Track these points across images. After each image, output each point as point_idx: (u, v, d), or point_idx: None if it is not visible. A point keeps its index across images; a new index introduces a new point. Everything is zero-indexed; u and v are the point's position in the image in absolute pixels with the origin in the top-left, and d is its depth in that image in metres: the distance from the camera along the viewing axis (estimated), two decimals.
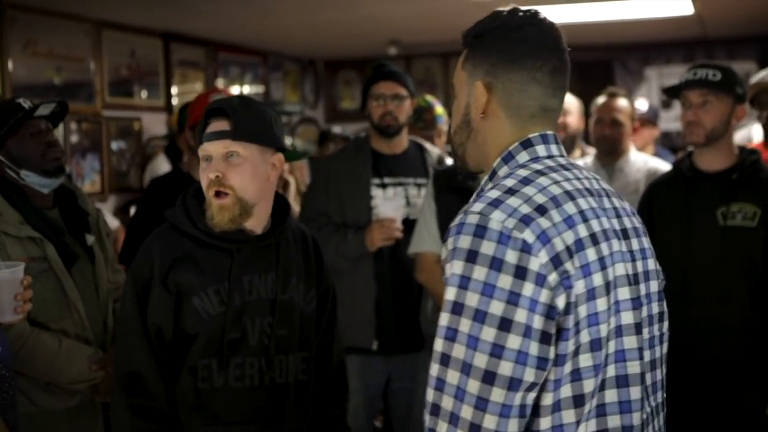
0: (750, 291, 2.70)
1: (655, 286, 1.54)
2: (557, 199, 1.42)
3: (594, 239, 1.42)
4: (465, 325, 1.34)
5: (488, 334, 1.33)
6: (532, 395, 1.35)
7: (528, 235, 1.36)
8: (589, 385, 1.39)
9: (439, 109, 4.37)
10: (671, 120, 7.60)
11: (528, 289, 1.34)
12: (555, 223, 1.38)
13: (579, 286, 1.37)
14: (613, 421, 1.43)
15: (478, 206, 1.40)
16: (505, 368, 1.32)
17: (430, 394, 1.38)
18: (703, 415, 2.74)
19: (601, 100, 3.80)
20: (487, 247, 1.35)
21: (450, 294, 1.37)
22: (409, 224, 3.30)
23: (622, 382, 1.44)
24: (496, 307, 1.33)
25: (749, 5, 6.10)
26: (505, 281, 1.33)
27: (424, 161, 3.43)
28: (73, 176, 5.84)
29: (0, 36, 5.23)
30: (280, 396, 2.09)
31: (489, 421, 1.32)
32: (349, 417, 3.29)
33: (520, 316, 1.33)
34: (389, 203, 3.21)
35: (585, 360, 1.38)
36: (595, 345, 1.39)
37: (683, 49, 8.00)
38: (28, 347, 2.40)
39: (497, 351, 1.32)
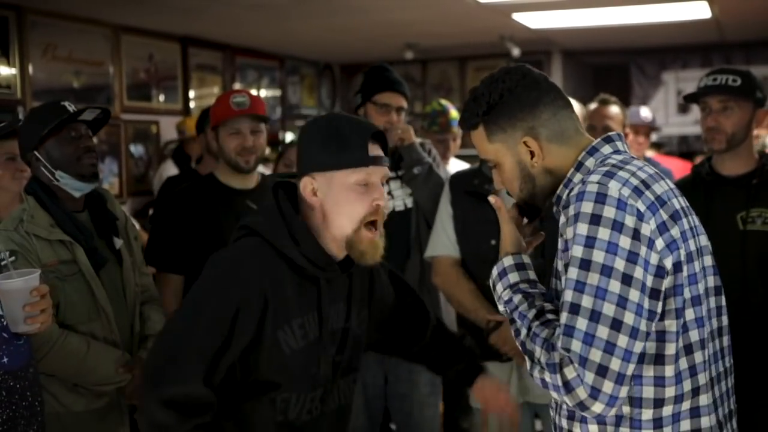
0: None
1: (710, 260, 1.76)
2: (654, 176, 1.68)
3: (684, 213, 1.68)
4: (593, 278, 1.55)
5: (614, 286, 1.54)
6: (642, 345, 1.56)
7: (640, 205, 1.59)
8: (695, 335, 1.64)
9: (454, 112, 4.37)
10: (688, 124, 7.59)
11: (642, 250, 1.56)
12: (658, 196, 1.63)
13: (681, 251, 1.62)
14: (715, 369, 1.70)
15: (595, 177, 1.62)
16: (629, 318, 1.54)
17: (560, 339, 1.56)
18: None
19: (593, 106, 3.81)
20: (609, 212, 1.57)
21: (577, 252, 1.58)
22: (394, 217, 3.26)
23: (717, 333, 1.73)
24: (619, 264, 1.55)
25: (766, 9, 6.08)
26: (625, 242, 1.56)
27: (395, 152, 3.39)
28: None
29: (20, 40, 5.28)
30: (336, 421, 2.05)
31: (615, 363, 1.53)
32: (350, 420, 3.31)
33: (638, 273, 1.55)
34: None
35: (690, 314, 1.63)
36: (695, 300, 1.64)
37: (700, 53, 7.98)
38: (56, 349, 2.42)
39: (622, 302, 1.54)
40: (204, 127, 4.22)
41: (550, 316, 1.66)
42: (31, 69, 5.36)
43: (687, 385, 1.63)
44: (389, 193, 3.36)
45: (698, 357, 1.65)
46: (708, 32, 7.16)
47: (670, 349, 1.61)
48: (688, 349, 1.63)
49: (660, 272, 1.58)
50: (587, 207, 1.59)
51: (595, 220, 1.57)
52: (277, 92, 8.13)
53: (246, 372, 1.91)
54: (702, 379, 1.65)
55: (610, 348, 1.53)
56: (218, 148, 3.11)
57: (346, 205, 1.89)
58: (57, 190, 2.57)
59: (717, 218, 2.77)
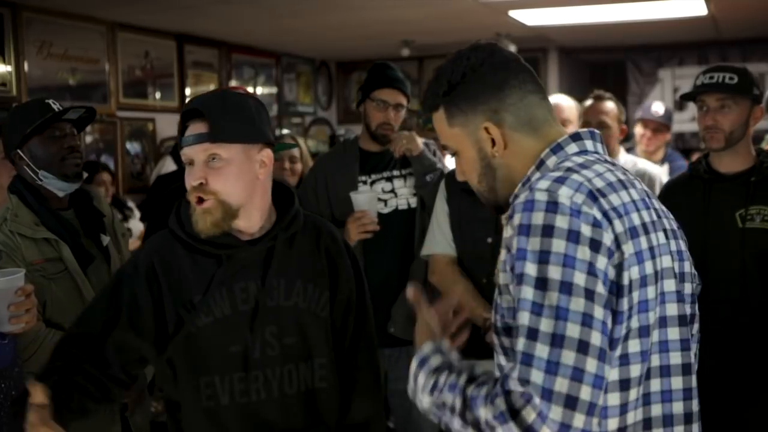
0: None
1: (689, 288, 1.56)
2: (614, 185, 1.47)
3: (645, 229, 1.47)
4: (551, 297, 1.34)
5: (577, 304, 1.33)
6: (609, 368, 1.36)
7: (596, 212, 1.40)
8: (635, 370, 1.42)
9: None
10: (685, 121, 7.59)
11: (601, 262, 1.37)
12: (614, 207, 1.43)
13: (634, 272, 1.41)
14: (656, 410, 1.47)
15: (543, 183, 1.42)
16: (596, 338, 1.33)
17: (516, 368, 1.34)
18: (720, 415, 2.73)
19: (587, 102, 3.81)
20: (562, 221, 1.37)
21: (529, 269, 1.36)
22: (397, 215, 3.32)
23: (665, 371, 1.47)
24: (579, 278, 1.35)
25: (763, 6, 6.08)
26: (583, 252, 1.36)
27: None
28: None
29: (16, 38, 5.27)
30: (292, 407, 1.95)
31: (585, 392, 1.31)
32: None
33: (600, 287, 1.36)
34: (360, 196, 3.19)
35: (633, 345, 1.41)
36: (644, 332, 1.43)
37: (697, 50, 7.98)
38: (44, 347, 2.41)
39: (588, 321, 1.33)
40: None
41: (484, 378, 1.44)
42: (26, 66, 5.35)
43: (613, 423, 1.42)
44: (392, 191, 3.36)
45: (633, 394, 1.43)
46: (704, 29, 7.17)
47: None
48: (624, 385, 1.42)
49: (614, 289, 1.39)
50: (537, 218, 1.38)
51: (547, 231, 1.37)
52: (273, 89, 8.12)
53: (168, 359, 1.94)
54: (631, 418, 1.44)
55: (578, 375, 1.31)
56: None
57: (186, 185, 1.94)
58: (41, 188, 2.56)
59: (716, 216, 2.77)
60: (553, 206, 1.38)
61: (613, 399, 1.41)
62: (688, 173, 2.97)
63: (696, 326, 1.58)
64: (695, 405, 1.53)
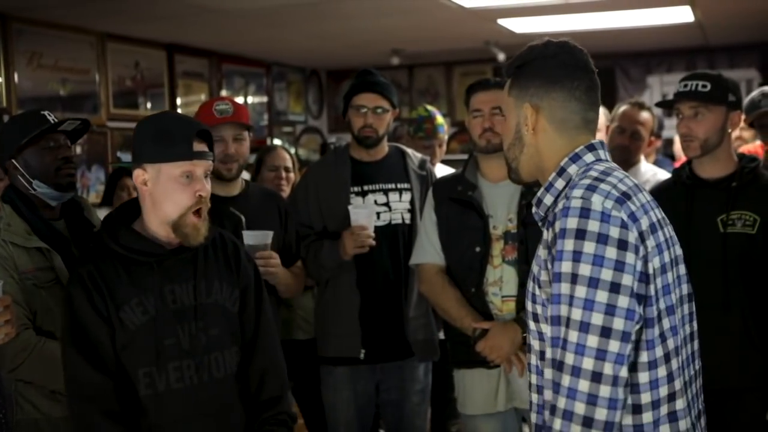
0: (750, 298, 2.72)
1: (683, 269, 1.83)
2: (633, 189, 1.73)
3: (660, 224, 1.75)
4: (581, 291, 1.60)
5: (602, 296, 1.59)
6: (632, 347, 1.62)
7: (623, 215, 1.65)
8: (671, 343, 1.70)
9: (440, 118, 4.38)
10: (673, 128, 7.61)
11: (630, 258, 1.62)
12: (637, 208, 1.69)
13: (656, 261, 1.68)
14: (687, 373, 1.77)
15: (578, 192, 1.67)
16: (618, 323, 1.59)
17: (554, 353, 1.65)
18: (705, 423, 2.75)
19: (624, 108, 3.78)
20: (593, 226, 1.62)
21: (565, 267, 1.63)
22: (390, 229, 3.32)
23: (686, 341, 1.78)
24: (606, 274, 1.60)
25: (749, 13, 6.12)
26: (611, 252, 1.61)
27: (406, 166, 3.43)
28: (79, 187, 5.87)
29: (5, 48, 5.27)
30: (222, 389, 2.23)
31: (608, 368, 1.58)
32: (342, 428, 3.31)
33: (626, 280, 1.61)
34: (360, 211, 3.18)
35: (666, 323, 1.69)
36: (670, 310, 1.71)
37: (685, 57, 8.02)
38: (34, 356, 2.42)
39: (611, 310, 1.59)
40: None
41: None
42: (16, 77, 5.35)
43: (663, 391, 1.69)
44: (386, 204, 3.36)
45: (674, 364, 1.71)
46: (692, 36, 7.21)
47: (643, 356, 1.67)
48: (666, 358, 1.69)
49: (643, 278, 1.65)
50: (572, 223, 1.64)
51: (581, 234, 1.62)
52: (263, 99, 8.12)
53: (116, 355, 2.16)
54: (678, 384, 1.71)
55: (601, 355, 1.59)
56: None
57: (172, 194, 2.14)
58: (34, 198, 2.58)
59: (698, 221, 2.79)
60: (586, 212, 1.63)
61: (662, 371, 1.67)
62: (672, 179, 2.99)
63: (693, 305, 1.87)
64: (697, 364, 1.83)
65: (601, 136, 4.08)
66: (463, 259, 2.95)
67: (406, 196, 3.37)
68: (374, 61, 7.71)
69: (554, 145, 1.81)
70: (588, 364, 1.59)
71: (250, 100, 7.85)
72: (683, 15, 6.12)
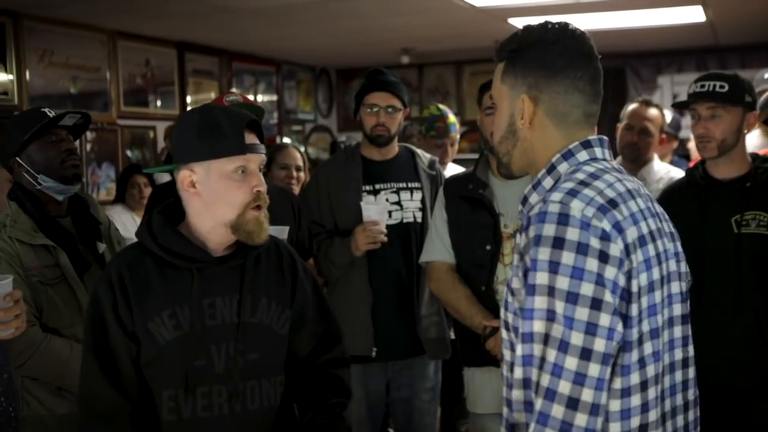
0: (763, 298, 2.70)
1: (684, 286, 1.66)
2: (623, 195, 1.54)
3: (652, 236, 1.55)
4: (559, 306, 1.42)
5: (582, 313, 1.42)
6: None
7: (605, 225, 1.46)
8: (651, 371, 1.51)
9: (452, 117, 4.38)
10: (685, 128, 7.58)
11: (611, 272, 1.44)
12: (625, 217, 1.50)
13: (642, 278, 1.49)
14: (667, 404, 1.58)
15: (557, 195, 1.49)
16: (599, 345, 1.42)
17: (526, 372, 1.47)
18: (716, 422, 2.74)
19: (633, 106, 3.78)
20: (572, 234, 1.44)
21: (540, 279, 1.45)
22: (402, 228, 3.32)
23: (671, 368, 1.59)
24: (587, 289, 1.42)
25: (761, 12, 6.10)
26: (592, 264, 1.43)
27: (416, 165, 3.43)
28: (89, 185, 5.89)
29: (17, 46, 5.29)
30: (254, 423, 1.96)
31: (587, 394, 1.41)
32: (353, 426, 3.32)
33: (608, 296, 1.43)
34: (372, 207, 3.18)
35: (647, 348, 1.50)
36: (654, 334, 1.52)
37: (695, 56, 8.00)
38: (39, 353, 2.43)
39: (591, 329, 1.42)
40: None
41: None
42: (28, 75, 5.37)
43: (635, 422, 1.50)
44: (398, 203, 3.37)
45: (651, 393, 1.52)
46: (703, 36, 7.19)
47: (617, 383, 1.48)
48: (643, 386, 1.50)
49: (625, 296, 1.47)
50: (549, 230, 1.46)
51: (558, 243, 1.44)
52: (273, 97, 8.14)
53: (139, 372, 1.92)
54: (653, 415, 1.53)
55: (579, 379, 1.41)
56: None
57: (226, 193, 1.90)
58: (40, 194, 2.59)
59: (712, 222, 2.78)
60: (564, 218, 1.45)
61: (635, 400, 1.49)
62: (686, 179, 2.98)
63: (689, 326, 1.68)
64: (691, 394, 1.64)
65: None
66: (473, 258, 2.95)
67: (417, 195, 3.37)
68: (384, 59, 7.71)
69: (551, 140, 1.62)
70: (564, 388, 1.41)
71: (259, 98, 7.87)
72: (695, 15, 6.10)
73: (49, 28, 5.53)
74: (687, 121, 7.60)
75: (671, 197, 2.95)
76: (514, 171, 1.72)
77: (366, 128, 3.35)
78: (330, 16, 5.85)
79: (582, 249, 1.43)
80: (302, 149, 4.48)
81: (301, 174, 4.06)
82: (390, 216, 3.32)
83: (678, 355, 1.60)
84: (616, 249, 1.45)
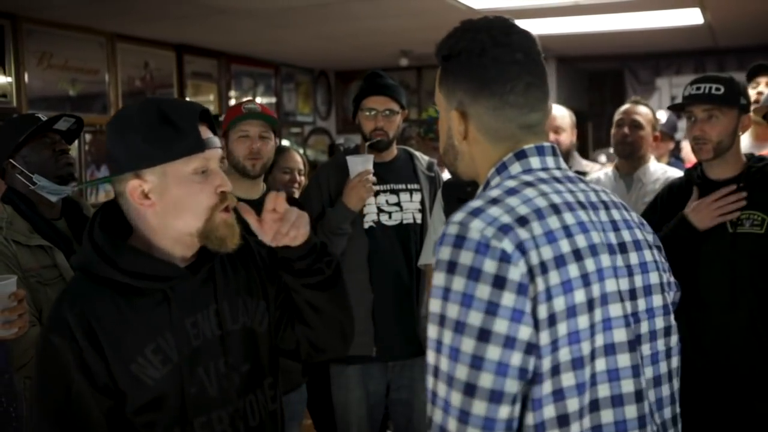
0: (758, 298, 2.72)
1: (658, 300, 1.47)
2: (541, 211, 1.37)
3: (578, 255, 1.36)
4: (447, 336, 1.30)
5: (467, 345, 1.28)
6: (509, 409, 1.28)
7: (506, 245, 1.30)
8: (573, 404, 1.32)
9: None
10: (682, 129, 7.60)
11: (508, 299, 1.28)
12: (535, 236, 1.33)
13: (558, 303, 1.31)
14: None
15: (459, 216, 1.35)
16: (486, 380, 1.27)
17: (427, 406, 1.35)
18: (713, 423, 2.75)
19: (623, 107, 3.83)
20: (466, 257, 1.30)
21: (434, 306, 1.33)
22: (402, 229, 3.34)
23: (617, 401, 1.38)
24: (475, 318, 1.28)
25: (759, 14, 6.11)
26: (483, 291, 1.28)
27: (415, 167, 3.45)
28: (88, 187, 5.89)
29: (16, 49, 5.30)
30: None
31: None
32: (353, 428, 3.32)
33: (500, 326, 1.27)
34: (356, 158, 3.21)
35: (567, 379, 1.32)
36: (577, 363, 1.33)
37: (694, 59, 8.02)
38: None
39: (477, 362, 1.27)
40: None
41: None
42: (26, 77, 5.38)
43: None
44: (397, 203, 3.38)
45: (574, 428, 1.33)
46: (701, 38, 7.20)
47: (529, 418, 1.32)
48: (562, 421, 1.32)
49: (531, 322, 1.29)
50: (445, 253, 1.32)
51: (451, 268, 1.31)
52: (272, 99, 8.15)
53: (122, 425, 1.62)
54: None
55: (464, 417, 1.27)
56: (227, 153, 3.11)
57: (188, 199, 1.65)
58: (34, 197, 2.61)
59: None
60: (460, 241, 1.32)
61: None
62: (684, 178, 3.01)
63: (674, 338, 1.51)
64: (667, 412, 1.48)
65: (566, 136, 4.09)
66: None
67: (417, 197, 3.39)
68: (383, 62, 7.72)
69: (488, 155, 1.49)
70: (452, 426, 1.28)
71: (258, 100, 7.84)
72: (693, 17, 6.12)
73: (48, 31, 5.54)
74: (682, 123, 7.65)
75: (671, 197, 2.99)
76: (465, 179, 1.58)
77: (365, 132, 3.36)
78: (329, 19, 5.86)
79: (473, 275, 1.29)
80: (301, 151, 4.48)
81: (302, 178, 4.08)
82: (390, 217, 3.34)
83: (627, 387, 1.38)
84: (516, 272, 1.29)
